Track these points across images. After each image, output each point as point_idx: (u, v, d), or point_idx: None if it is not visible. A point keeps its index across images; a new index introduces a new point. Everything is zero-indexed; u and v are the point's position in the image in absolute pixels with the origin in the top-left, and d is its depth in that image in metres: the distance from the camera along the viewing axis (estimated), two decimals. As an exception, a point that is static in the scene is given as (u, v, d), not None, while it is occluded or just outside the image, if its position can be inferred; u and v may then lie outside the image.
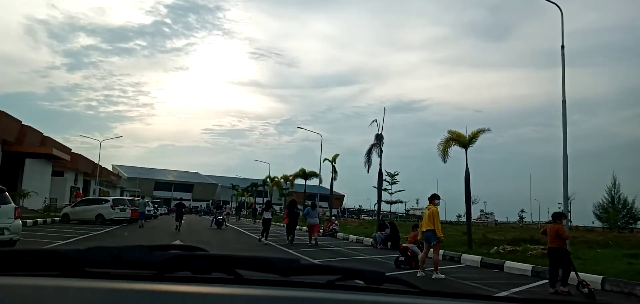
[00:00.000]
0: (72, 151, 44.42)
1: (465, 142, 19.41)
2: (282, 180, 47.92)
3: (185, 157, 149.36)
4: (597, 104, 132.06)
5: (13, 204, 12.10)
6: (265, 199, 27.25)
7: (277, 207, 44.96)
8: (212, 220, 28.34)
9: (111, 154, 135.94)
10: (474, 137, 19.41)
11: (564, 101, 15.80)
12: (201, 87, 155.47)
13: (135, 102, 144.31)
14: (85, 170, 46.94)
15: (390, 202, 38.05)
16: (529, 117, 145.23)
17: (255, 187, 61.97)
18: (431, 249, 10.42)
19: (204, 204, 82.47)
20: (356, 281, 1.14)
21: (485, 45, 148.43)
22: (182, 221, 25.15)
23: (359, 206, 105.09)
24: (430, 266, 10.54)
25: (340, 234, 22.65)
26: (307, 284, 1.08)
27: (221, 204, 34.62)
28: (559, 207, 60.04)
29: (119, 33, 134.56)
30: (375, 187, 38.15)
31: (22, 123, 31.28)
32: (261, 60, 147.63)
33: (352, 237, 21.16)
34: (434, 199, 10.34)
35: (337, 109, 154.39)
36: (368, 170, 27.93)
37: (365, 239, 19.91)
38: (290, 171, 47.14)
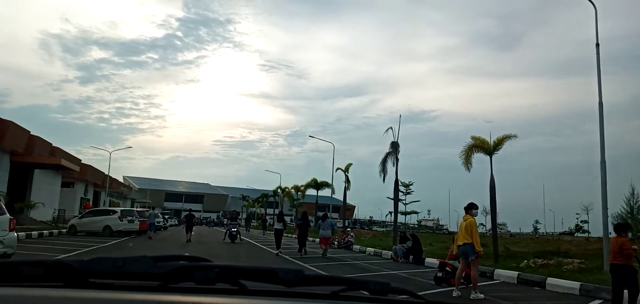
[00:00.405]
0: (84, 162, 43.84)
1: (489, 149, 18.16)
2: (293, 190, 46.74)
3: (196, 168, 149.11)
4: (610, 113, 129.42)
5: (8, 215, 11.05)
6: (275, 210, 26.80)
7: (287, 219, 43.70)
8: (226, 233, 25.14)
9: (123, 165, 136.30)
10: (499, 143, 18.16)
11: (600, 103, 14.55)
12: (212, 99, 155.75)
13: (146, 114, 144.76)
14: (95, 181, 46.17)
15: (405, 213, 36.78)
16: (539, 127, 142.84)
17: (265, 198, 60.88)
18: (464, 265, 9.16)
19: (214, 216, 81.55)
20: (361, 292, 1.12)
21: (496, 55, 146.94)
22: (192, 233, 24.97)
23: (370, 216, 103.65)
24: (460, 284, 9.29)
25: (356, 247, 21.39)
26: (311, 295, 1.07)
27: (236, 214, 30.74)
28: (577, 218, 57.18)
29: (131, 46, 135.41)
30: (389, 198, 37.05)
31: (31, 133, 30.54)
32: (271, 72, 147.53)
33: (370, 250, 19.88)
34: (471, 208, 9.10)
35: (347, 120, 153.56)
36: (384, 180, 26.65)
37: (383, 252, 18.62)
38: (300, 182, 46.18)
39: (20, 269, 1.09)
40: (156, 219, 28.65)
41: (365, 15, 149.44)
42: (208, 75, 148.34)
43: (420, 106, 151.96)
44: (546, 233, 79.06)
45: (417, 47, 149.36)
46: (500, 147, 18.21)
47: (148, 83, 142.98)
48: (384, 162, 26.31)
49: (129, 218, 24.62)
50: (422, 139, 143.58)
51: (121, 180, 67.04)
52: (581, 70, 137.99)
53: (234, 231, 23.86)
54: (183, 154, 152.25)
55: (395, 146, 25.41)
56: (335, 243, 22.31)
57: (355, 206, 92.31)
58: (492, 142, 18.26)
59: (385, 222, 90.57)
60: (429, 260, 15.41)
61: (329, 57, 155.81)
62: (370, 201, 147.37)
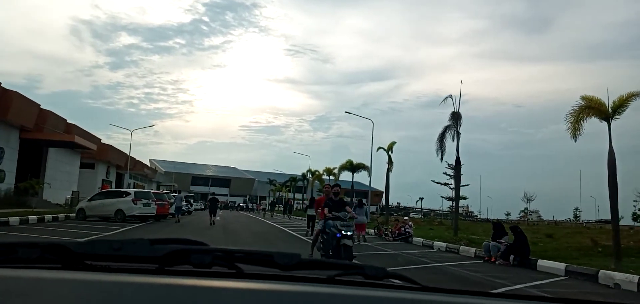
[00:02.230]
0: (113, 145, 40.45)
1: (606, 112, 13.20)
2: (325, 174, 42.16)
3: (223, 153, 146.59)
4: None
5: None
6: (304, 195, 23.45)
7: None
8: (316, 240, 10.01)
9: (152, 150, 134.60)
10: (621, 105, 13.17)
11: None
12: (238, 84, 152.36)
13: (174, 99, 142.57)
14: (118, 163, 42.69)
15: (453, 199, 31.81)
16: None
17: (294, 182, 56.53)
18: None
19: (241, 200, 77.92)
20: (357, 276, 1.09)
21: (525, 38, 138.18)
22: (217, 217, 23.74)
23: (397, 203, 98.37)
24: None
25: (417, 239, 16.65)
26: (308, 278, 1.04)
27: (339, 197, 9.76)
28: (634, 205, 49.93)
29: (159, 32, 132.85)
30: (434, 181, 32.40)
31: (41, 107, 26.80)
32: (296, 57, 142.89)
33: (439, 244, 15.11)
34: None
35: (372, 105, 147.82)
36: (441, 158, 21.87)
37: (461, 248, 13.88)
38: (325, 166, 42.11)
39: (17, 250, 1.04)
40: (182, 203, 26.04)
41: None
42: (234, 60, 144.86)
43: (448, 90, 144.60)
44: (588, 221, 72.86)
45: (444, 31, 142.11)
46: (623, 110, 13.25)
47: (175, 68, 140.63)
48: (441, 138, 21.50)
49: (145, 201, 20.49)
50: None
51: (147, 163, 63.93)
52: (612, 54, 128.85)
53: (348, 235, 8.82)
54: (210, 139, 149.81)
55: (456, 117, 20.54)
56: (389, 233, 17.69)
57: (383, 192, 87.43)
58: (609, 105, 13.29)
59: (419, 209, 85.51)
60: (544, 264, 10.62)
61: (354, 41, 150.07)
62: (397, 187, 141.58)
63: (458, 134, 20.61)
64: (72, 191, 29.38)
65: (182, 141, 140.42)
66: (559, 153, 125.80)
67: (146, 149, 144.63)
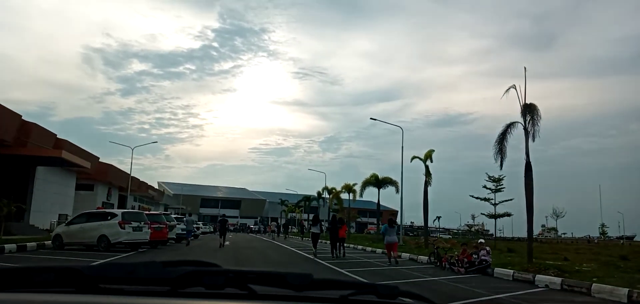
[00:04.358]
0: (125, 170, 36.03)
1: None
2: (344, 191, 37.10)
3: (233, 176, 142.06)
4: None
5: None
6: (313, 215, 20.04)
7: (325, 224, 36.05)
8: None
9: (162, 174, 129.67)
10: None
11: None
12: (248, 107, 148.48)
13: (185, 124, 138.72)
14: (120, 184, 38.16)
15: (495, 216, 26.63)
16: (581, 128, 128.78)
17: (308, 202, 51.46)
18: None
19: (252, 221, 72.79)
20: (370, 295, 1.05)
21: (531, 56, 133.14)
22: (226, 239, 22.11)
23: (411, 222, 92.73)
24: None
25: (499, 271, 11.60)
26: (320, 299, 1.02)
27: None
28: None
29: (169, 58, 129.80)
30: (473, 196, 27.16)
31: (22, 118, 22.34)
32: (305, 80, 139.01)
33: (545, 279, 10.05)
34: None
35: (380, 125, 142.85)
36: (501, 165, 16.98)
37: (593, 286, 8.87)
38: (342, 184, 37.66)
39: (32, 275, 1.03)
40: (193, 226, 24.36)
41: (396, 21, 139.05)
42: (244, 84, 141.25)
43: (456, 109, 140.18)
44: (615, 237, 66.89)
45: (450, 51, 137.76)
46: None
47: (186, 93, 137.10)
48: (501, 140, 16.65)
49: (135, 224, 15.67)
50: (459, 142, 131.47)
51: (156, 186, 59.42)
52: (621, 69, 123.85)
53: None
54: (220, 162, 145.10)
55: (527, 110, 15.69)
56: (457, 262, 12.66)
57: (397, 211, 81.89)
58: None
59: (430, 227, 79.67)
60: None
61: (361, 63, 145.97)
62: (409, 206, 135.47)
63: (526, 131, 15.75)
64: (59, 215, 24.64)
65: (193, 165, 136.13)
66: (572, 169, 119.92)
67: (157, 173, 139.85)
